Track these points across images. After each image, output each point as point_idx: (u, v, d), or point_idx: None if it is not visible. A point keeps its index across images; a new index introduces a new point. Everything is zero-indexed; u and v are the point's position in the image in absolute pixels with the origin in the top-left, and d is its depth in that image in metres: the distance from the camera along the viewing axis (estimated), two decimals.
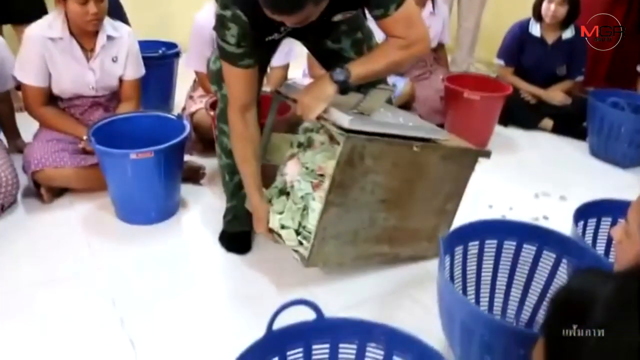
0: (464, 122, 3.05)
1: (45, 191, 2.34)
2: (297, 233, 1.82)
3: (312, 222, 1.79)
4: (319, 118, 1.67)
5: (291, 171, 1.89)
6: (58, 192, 2.40)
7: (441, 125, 3.21)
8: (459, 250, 1.68)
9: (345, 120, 1.61)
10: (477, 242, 1.70)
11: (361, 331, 1.22)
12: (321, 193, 1.77)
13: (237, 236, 2.11)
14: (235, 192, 2.03)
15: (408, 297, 1.90)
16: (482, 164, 1.99)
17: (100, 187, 2.32)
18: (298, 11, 1.42)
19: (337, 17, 1.70)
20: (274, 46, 1.91)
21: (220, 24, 1.65)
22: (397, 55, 1.67)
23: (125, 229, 2.23)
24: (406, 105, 3.32)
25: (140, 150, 2.07)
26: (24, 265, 1.98)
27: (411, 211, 1.93)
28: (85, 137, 2.25)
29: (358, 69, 1.64)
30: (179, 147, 2.21)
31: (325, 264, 1.86)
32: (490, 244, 1.72)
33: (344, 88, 1.64)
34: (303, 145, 1.93)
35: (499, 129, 3.29)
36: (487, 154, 1.99)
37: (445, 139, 1.87)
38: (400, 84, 3.26)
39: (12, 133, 2.76)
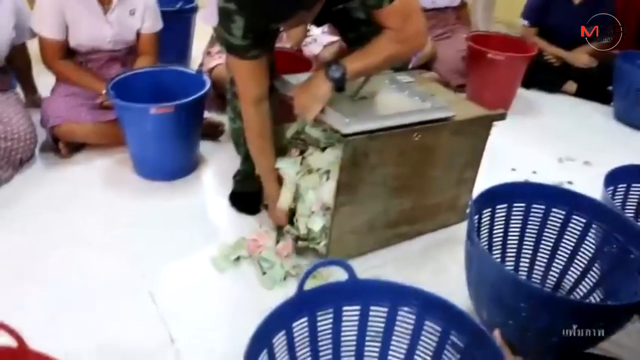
0: (487, 84, 2.97)
1: (64, 146, 2.30)
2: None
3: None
4: (316, 119, 1.63)
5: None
6: (76, 147, 2.37)
7: (462, 87, 3.15)
8: (486, 212, 1.64)
9: (342, 124, 1.56)
10: (505, 205, 1.66)
11: (394, 294, 1.18)
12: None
13: (247, 196, 2.07)
14: (248, 156, 1.98)
15: (431, 260, 1.87)
16: (504, 128, 1.93)
17: (118, 142, 2.29)
18: (288, 20, 1.37)
19: (338, 7, 1.64)
20: (279, 32, 1.84)
21: (225, 17, 1.56)
22: (393, 49, 1.56)
23: (143, 185, 2.19)
24: (427, 65, 3.24)
25: (160, 105, 2.01)
26: (41, 219, 1.96)
27: (427, 190, 1.89)
28: (104, 92, 2.19)
29: (354, 64, 1.56)
30: (200, 102, 2.15)
31: (346, 257, 1.81)
32: (519, 207, 1.67)
33: (339, 86, 1.56)
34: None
35: (521, 91, 3.21)
36: (502, 117, 1.91)
37: (452, 114, 1.78)
38: None
39: (29, 87, 2.70)
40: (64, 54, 2.34)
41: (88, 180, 2.20)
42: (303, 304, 1.13)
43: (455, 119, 1.78)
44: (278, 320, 1.08)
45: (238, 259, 1.80)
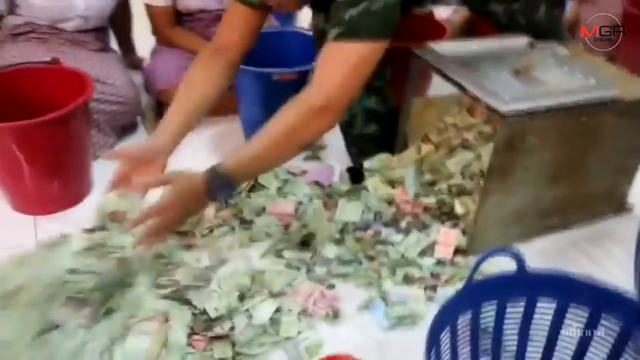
0: None
1: None
2: None
3: None
4: (473, 99, 1.66)
5: None
6: None
7: (611, 57, 3.06)
8: None
9: (500, 101, 1.59)
10: None
11: (564, 287, 1.21)
12: None
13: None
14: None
15: (584, 257, 1.87)
16: None
17: (229, 109, 2.38)
18: None
19: None
20: None
21: None
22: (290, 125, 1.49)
23: None
24: (570, 31, 3.17)
25: (284, 70, 2.08)
26: None
27: (584, 178, 1.90)
28: None
29: (237, 167, 1.47)
30: None
31: (487, 249, 1.86)
32: None
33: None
34: None
35: None
36: None
37: (620, 94, 1.76)
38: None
39: (128, 47, 2.85)
40: (174, 20, 2.46)
41: (195, 150, 2.27)
42: (471, 296, 1.18)
43: (624, 99, 1.78)
44: (445, 315, 1.14)
45: None
